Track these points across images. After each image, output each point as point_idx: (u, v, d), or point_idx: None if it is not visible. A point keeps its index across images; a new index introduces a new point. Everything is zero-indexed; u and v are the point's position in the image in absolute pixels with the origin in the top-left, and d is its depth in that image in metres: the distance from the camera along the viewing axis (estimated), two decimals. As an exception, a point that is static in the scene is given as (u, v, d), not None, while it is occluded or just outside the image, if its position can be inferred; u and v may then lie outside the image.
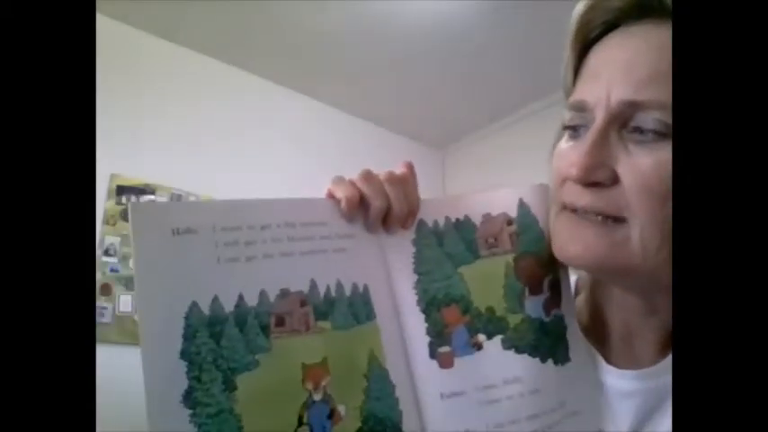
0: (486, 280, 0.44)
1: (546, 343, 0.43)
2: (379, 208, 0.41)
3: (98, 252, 2.11)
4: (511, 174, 2.52)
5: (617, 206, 0.37)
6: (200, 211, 0.38)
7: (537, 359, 0.42)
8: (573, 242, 0.40)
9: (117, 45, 2.18)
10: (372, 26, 2.26)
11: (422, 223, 0.44)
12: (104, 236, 2.14)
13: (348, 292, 0.40)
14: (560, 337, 0.44)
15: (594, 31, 0.42)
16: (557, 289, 0.45)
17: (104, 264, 2.12)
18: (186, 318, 0.34)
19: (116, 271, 2.13)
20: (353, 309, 0.39)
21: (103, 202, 2.15)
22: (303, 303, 0.38)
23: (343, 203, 0.41)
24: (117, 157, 2.15)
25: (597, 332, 0.47)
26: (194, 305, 0.34)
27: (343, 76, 2.64)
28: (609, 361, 0.45)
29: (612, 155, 0.38)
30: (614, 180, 0.37)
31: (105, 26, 2.15)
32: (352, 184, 0.42)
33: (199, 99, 2.45)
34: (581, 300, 0.50)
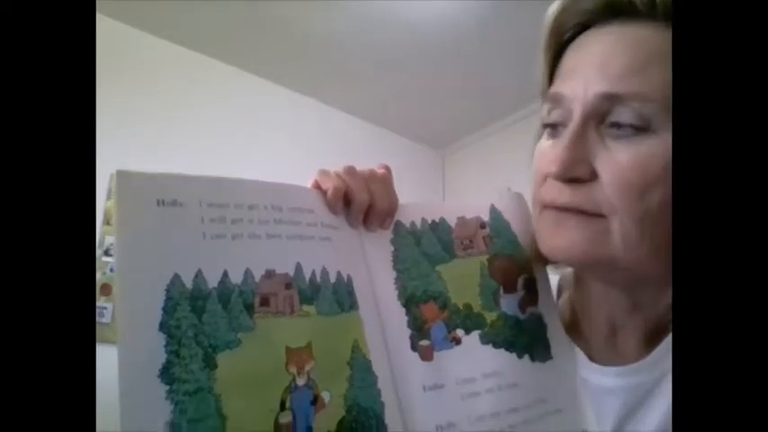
0: (463, 278, 0.45)
1: (522, 339, 0.44)
2: (362, 202, 0.42)
3: (98, 252, 2.11)
4: (511, 174, 2.50)
5: (595, 202, 0.38)
6: (188, 184, 0.36)
7: (514, 354, 0.44)
8: (557, 237, 0.40)
9: (117, 45, 2.19)
10: (372, 26, 2.26)
11: (399, 224, 0.46)
12: (104, 236, 2.14)
13: (333, 279, 0.39)
14: (538, 335, 0.45)
15: (567, 33, 0.43)
16: (532, 288, 0.46)
17: (104, 264, 2.12)
18: (167, 290, 0.32)
19: (116, 271, 2.13)
20: (338, 296, 0.39)
21: (103, 202, 2.15)
22: (288, 286, 0.37)
23: (330, 193, 0.41)
24: (117, 156, 2.14)
25: (581, 330, 0.48)
26: (176, 277, 0.33)
27: (343, 76, 2.64)
28: (592, 359, 0.45)
29: (591, 150, 0.38)
30: (593, 176, 0.38)
31: (105, 26, 2.16)
32: (338, 176, 0.43)
33: (199, 99, 2.45)
34: (564, 299, 0.51)
